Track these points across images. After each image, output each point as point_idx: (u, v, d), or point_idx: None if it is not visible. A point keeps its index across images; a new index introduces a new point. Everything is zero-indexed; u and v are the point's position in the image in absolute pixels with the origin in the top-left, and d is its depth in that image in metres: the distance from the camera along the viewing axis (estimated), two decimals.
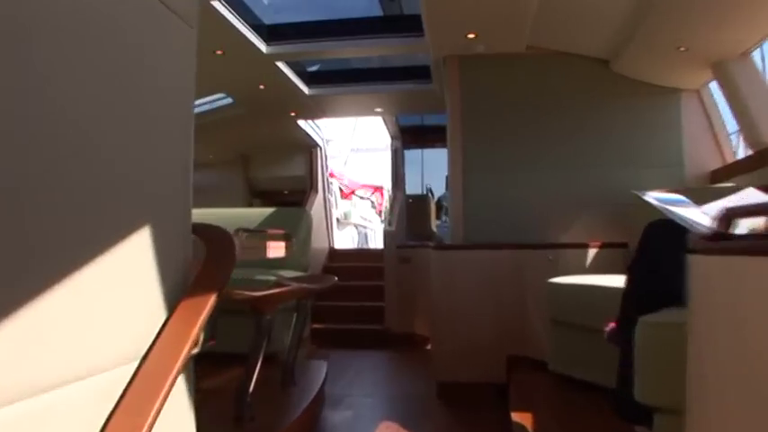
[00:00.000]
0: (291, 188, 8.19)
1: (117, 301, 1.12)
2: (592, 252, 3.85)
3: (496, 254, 4.06)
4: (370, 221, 11.94)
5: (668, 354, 1.49)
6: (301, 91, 5.44)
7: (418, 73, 5.40)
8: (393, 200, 7.40)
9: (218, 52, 4.29)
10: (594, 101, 4.25)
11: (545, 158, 4.25)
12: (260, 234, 3.04)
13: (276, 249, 3.11)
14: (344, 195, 14.23)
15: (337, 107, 6.21)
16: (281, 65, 4.77)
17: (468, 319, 3.98)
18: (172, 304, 1.29)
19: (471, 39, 4.01)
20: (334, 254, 8.20)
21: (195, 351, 1.26)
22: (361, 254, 8.26)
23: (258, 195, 8.37)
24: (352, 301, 7.06)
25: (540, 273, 3.72)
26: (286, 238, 3.29)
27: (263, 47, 4.38)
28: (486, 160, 4.32)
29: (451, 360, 3.95)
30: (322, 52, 4.56)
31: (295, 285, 3.12)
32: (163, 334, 1.24)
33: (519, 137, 4.28)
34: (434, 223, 9.27)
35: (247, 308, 2.67)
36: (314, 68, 5.60)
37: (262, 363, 2.64)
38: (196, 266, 1.43)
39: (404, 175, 7.67)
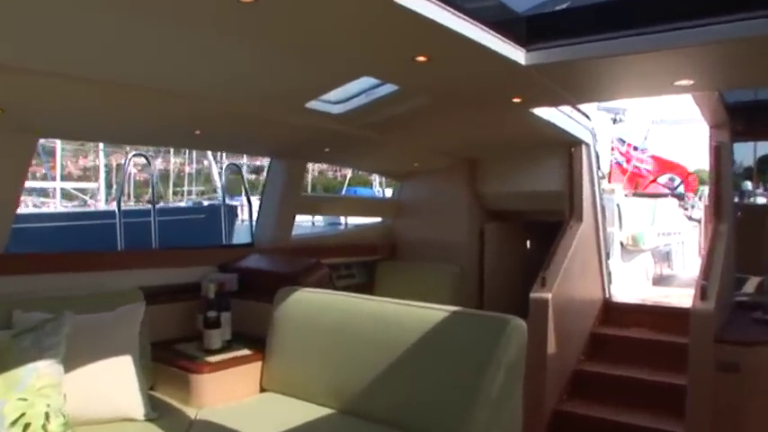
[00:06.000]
0: (541, 208, 5.39)
1: None
2: None
3: None
4: (675, 234, 8.36)
5: None
6: (510, 60, 2.69)
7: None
8: (713, 237, 4.18)
9: None
10: None
11: None
12: None
13: None
14: (641, 186, 10.68)
15: (593, 82, 3.21)
16: (440, 17, 2.15)
17: None
18: None
19: None
20: (610, 310, 5.22)
21: None
22: (655, 314, 5.09)
23: (494, 217, 5.72)
24: (627, 408, 4.19)
25: None
26: None
27: None
28: None
29: None
30: None
31: None
32: None
33: None
34: None
35: None
36: (533, 8, 2.75)
37: None
38: None
39: (732, 191, 4.35)
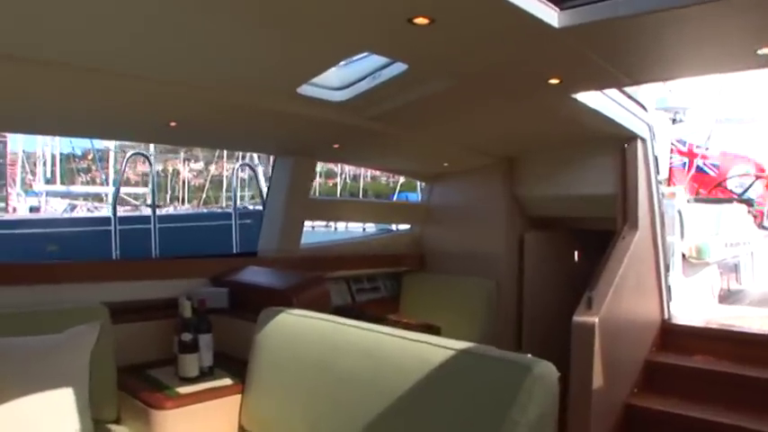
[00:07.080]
0: (590, 214, 4.71)
1: None
2: None
3: None
4: (744, 243, 7.48)
5: None
6: (538, 21, 2.09)
7: None
8: None
9: None
10: None
11: None
12: None
13: None
14: (707, 188, 9.77)
15: (648, 52, 2.54)
16: None
17: None
18: None
19: None
20: (670, 334, 4.48)
21: None
22: (725, 339, 4.31)
23: (536, 224, 5.07)
24: None
25: None
26: None
27: None
28: None
29: None
30: None
31: None
32: None
33: None
34: None
35: None
36: None
37: None
38: None
39: None
